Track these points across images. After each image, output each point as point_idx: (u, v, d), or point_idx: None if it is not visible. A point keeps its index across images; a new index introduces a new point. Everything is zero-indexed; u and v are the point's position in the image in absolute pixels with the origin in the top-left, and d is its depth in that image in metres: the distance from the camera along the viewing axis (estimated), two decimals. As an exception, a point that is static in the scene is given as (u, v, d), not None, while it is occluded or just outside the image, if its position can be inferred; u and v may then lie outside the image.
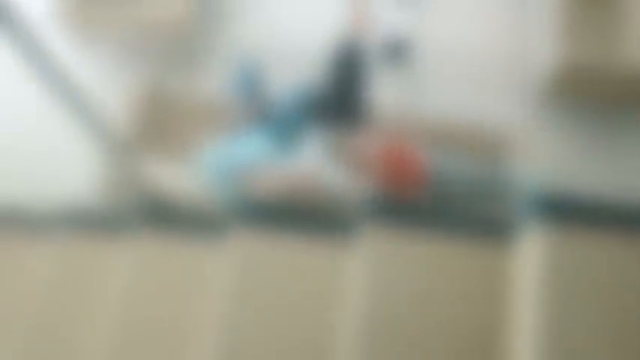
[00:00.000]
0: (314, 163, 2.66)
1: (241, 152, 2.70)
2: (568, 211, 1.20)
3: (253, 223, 1.68)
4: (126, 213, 2.10)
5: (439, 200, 1.40)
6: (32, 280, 2.00)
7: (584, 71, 2.68)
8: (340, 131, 2.73)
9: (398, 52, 2.85)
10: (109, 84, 2.80)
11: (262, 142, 2.73)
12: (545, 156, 2.68)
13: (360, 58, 2.81)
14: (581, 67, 2.68)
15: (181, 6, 3.02)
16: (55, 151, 2.65)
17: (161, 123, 2.86)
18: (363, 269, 1.39)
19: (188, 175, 2.71)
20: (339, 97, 2.79)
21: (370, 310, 1.33)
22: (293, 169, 2.64)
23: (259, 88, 2.88)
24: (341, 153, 2.71)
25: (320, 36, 2.87)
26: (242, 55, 2.93)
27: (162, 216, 1.93)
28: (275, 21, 2.99)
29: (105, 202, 2.42)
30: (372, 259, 1.38)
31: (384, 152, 2.67)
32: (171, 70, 2.93)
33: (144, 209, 1.96)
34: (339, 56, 2.81)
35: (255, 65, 2.89)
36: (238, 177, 2.64)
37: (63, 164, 2.62)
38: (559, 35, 2.68)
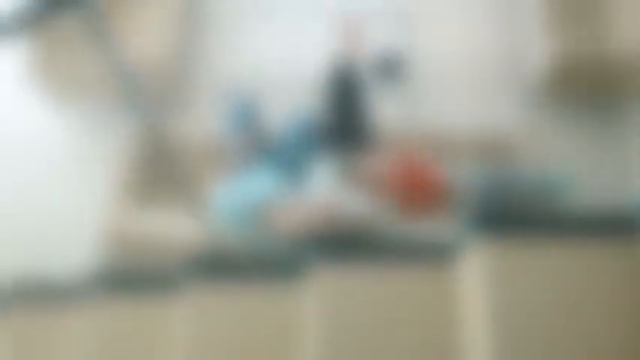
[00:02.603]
0: (328, 191, 2.59)
1: (251, 190, 2.60)
2: None
3: (330, 260, 1.60)
4: (158, 270, 1.97)
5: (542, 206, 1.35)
6: (78, 351, 1.85)
7: (578, 66, 2.73)
8: (348, 155, 2.68)
9: (393, 68, 2.82)
10: (102, 137, 2.66)
11: (270, 176, 2.64)
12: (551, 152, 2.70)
13: (357, 78, 2.77)
14: (575, 62, 2.72)
15: (159, 46, 2.90)
16: (61, 216, 2.49)
17: (159, 169, 2.73)
18: (480, 288, 1.33)
19: (198, 220, 2.59)
20: (342, 121, 2.74)
21: (499, 330, 1.27)
22: (309, 200, 2.56)
23: (255, 122, 2.79)
24: (353, 177, 2.65)
25: (312, 62, 2.82)
26: (234, 91, 2.85)
27: (210, 267, 1.81)
28: (265, 52, 2.92)
29: (129, 260, 2.28)
30: (489, 277, 1.32)
31: (397, 169, 2.63)
32: (162, 114, 2.81)
33: (191, 263, 1.83)
34: (336, 79, 2.76)
35: (248, 99, 2.81)
36: (252, 215, 2.54)
37: (70, 228, 2.46)
38: (550, 33, 2.72)
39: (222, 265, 1.71)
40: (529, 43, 2.85)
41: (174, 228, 2.59)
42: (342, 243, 1.63)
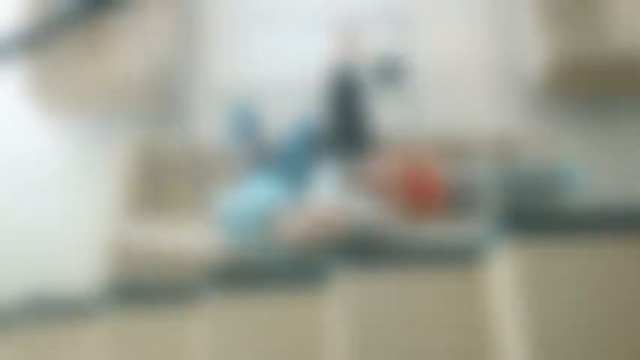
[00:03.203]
0: (332, 197, 2.57)
1: (255, 197, 2.57)
2: None
3: (351, 266, 1.58)
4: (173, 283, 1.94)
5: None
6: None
7: (577, 66, 2.74)
8: (351, 159, 2.66)
9: (392, 71, 2.82)
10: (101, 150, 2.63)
11: (273, 183, 2.62)
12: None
13: (357, 83, 2.76)
14: (575, 62, 2.74)
15: (159, 54, 2.87)
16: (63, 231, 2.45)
17: (160, 180, 2.69)
18: (510, 289, 1.32)
19: (204, 229, 2.56)
20: (343, 125, 2.73)
21: (529, 331, 1.25)
22: (314, 206, 2.54)
23: (257, 129, 2.77)
24: (356, 181, 2.63)
25: (312, 68, 2.81)
26: (235, 98, 2.82)
27: (230, 278, 1.78)
28: (265, 59, 2.90)
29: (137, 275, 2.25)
30: (519, 277, 1.31)
31: (399, 172, 2.61)
32: (161, 124, 2.78)
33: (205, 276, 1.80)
34: (337, 84, 2.75)
35: (249, 106, 2.78)
36: (258, 223, 2.51)
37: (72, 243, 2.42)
38: (549, 34, 2.73)
39: (241, 275, 1.69)
40: (528, 44, 2.86)
41: (180, 238, 2.55)
42: (362, 248, 1.61)
